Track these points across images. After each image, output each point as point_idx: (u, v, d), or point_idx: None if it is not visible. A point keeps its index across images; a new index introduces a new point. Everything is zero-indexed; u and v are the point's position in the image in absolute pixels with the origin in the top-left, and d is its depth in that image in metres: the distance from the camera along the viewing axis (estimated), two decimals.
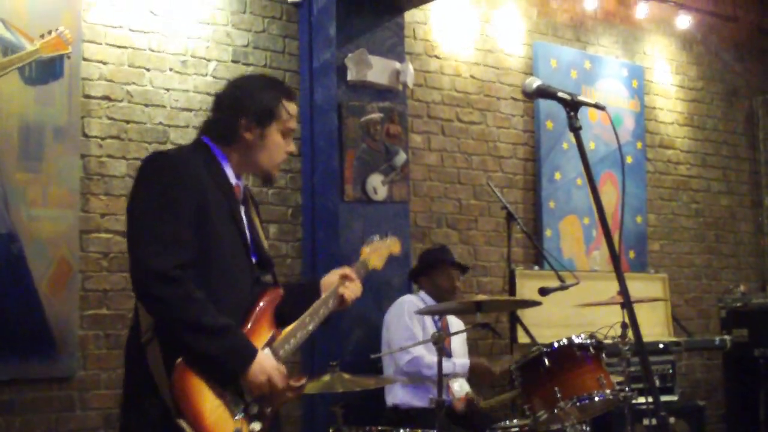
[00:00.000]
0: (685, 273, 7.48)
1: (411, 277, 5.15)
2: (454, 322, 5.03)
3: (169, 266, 2.54)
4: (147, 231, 2.60)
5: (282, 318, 2.88)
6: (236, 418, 2.63)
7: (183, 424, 2.52)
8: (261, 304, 2.80)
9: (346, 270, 3.03)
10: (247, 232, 2.83)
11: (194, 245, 2.62)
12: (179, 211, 2.61)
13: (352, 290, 3.00)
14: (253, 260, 2.85)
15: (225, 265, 2.71)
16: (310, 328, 2.88)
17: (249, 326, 2.74)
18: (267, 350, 2.73)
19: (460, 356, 4.94)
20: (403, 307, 4.83)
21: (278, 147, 2.87)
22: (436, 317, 4.85)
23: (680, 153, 7.57)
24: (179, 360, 2.55)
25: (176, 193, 2.63)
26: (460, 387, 4.83)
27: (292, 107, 2.90)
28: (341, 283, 2.99)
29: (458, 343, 5.02)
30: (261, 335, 2.76)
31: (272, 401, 2.71)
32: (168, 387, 2.55)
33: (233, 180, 2.84)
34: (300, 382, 2.80)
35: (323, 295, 2.97)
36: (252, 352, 2.64)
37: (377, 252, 3.26)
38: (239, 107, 2.82)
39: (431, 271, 5.01)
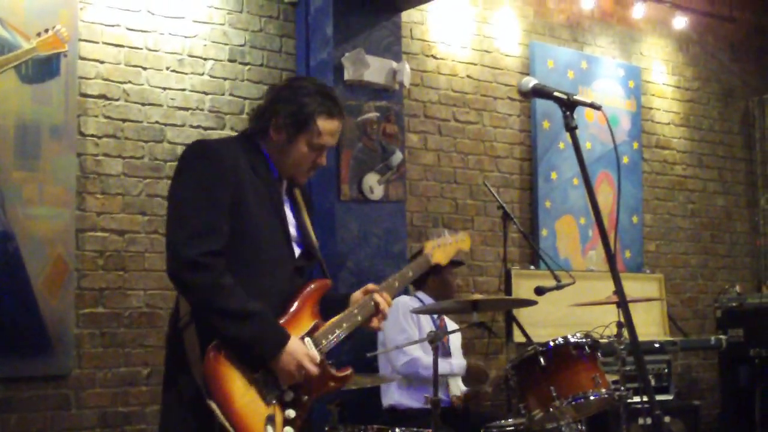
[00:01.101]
0: (681, 273, 7.49)
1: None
2: (451, 324, 5.03)
3: (198, 253, 2.57)
4: (181, 218, 2.64)
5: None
6: (270, 403, 2.62)
7: (213, 405, 2.52)
8: (304, 293, 2.79)
9: (369, 286, 2.97)
10: (291, 222, 2.84)
11: (227, 233, 2.64)
12: (214, 200, 2.64)
13: (385, 299, 2.90)
14: (299, 251, 2.85)
15: (262, 253, 2.72)
16: (359, 319, 2.85)
17: (289, 315, 2.73)
18: (308, 339, 2.72)
19: (457, 357, 4.93)
20: (397, 307, 4.80)
21: (302, 156, 2.82)
22: (435, 317, 4.85)
23: (676, 153, 7.57)
24: (212, 343, 2.57)
25: (212, 181, 2.66)
26: (457, 387, 4.83)
27: (328, 125, 2.81)
28: (370, 297, 2.90)
29: (455, 344, 5.02)
30: (302, 324, 2.75)
31: (310, 389, 2.69)
32: (200, 369, 2.57)
33: (276, 173, 2.84)
34: (344, 372, 2.78)
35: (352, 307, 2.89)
36: (283, 339, 2.63)
37: (444, 248, 3.18)
38: (276, 106, 2.81)
39: (433, 271, 5.00)
